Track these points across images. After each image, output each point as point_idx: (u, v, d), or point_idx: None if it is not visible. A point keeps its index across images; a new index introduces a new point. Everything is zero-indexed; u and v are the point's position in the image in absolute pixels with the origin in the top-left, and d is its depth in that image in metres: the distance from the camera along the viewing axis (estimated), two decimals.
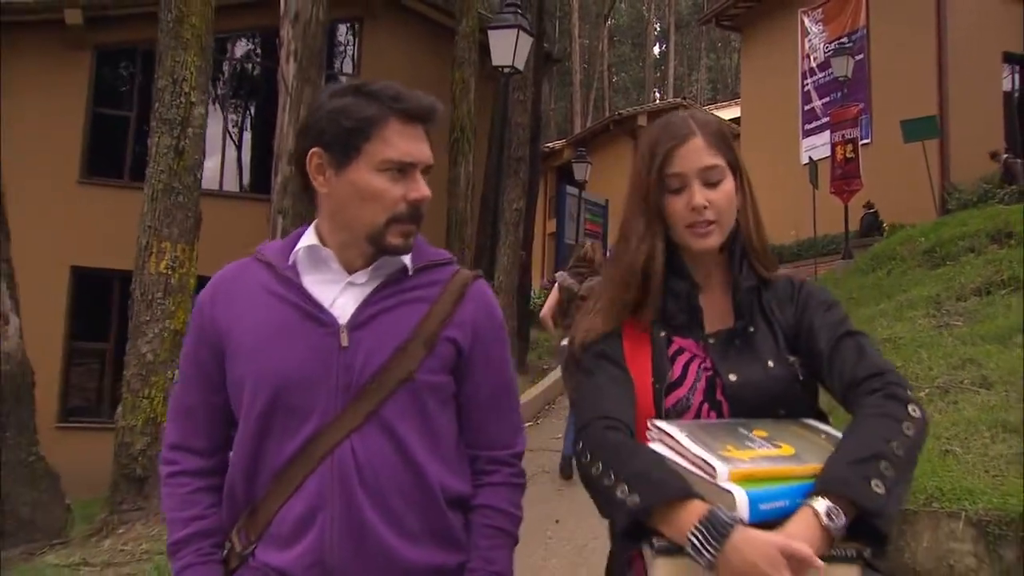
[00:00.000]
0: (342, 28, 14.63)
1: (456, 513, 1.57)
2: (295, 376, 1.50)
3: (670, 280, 1.62)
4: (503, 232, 12.02)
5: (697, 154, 1.59)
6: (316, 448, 1.48)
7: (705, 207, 1.57)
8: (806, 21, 19.76)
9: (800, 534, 1.25)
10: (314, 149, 1.53)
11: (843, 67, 14.96)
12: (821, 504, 1.27)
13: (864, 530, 1.29)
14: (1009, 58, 16.78)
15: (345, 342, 1.51)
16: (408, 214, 1.52)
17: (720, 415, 1.53)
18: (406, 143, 1.49)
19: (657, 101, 35.30)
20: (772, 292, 1.63)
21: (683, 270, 1.63)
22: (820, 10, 19.30)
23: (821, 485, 1.30)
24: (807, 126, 18.79)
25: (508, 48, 8.53)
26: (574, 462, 1.67)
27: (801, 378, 1.54)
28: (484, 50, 12.49)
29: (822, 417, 1.54)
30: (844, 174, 13.89)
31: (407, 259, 1.58)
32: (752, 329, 1.58)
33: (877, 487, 1.28)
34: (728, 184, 1.60)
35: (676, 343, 1.60)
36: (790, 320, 1.59)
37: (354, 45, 14.92)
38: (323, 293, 1.55)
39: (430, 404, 1.55)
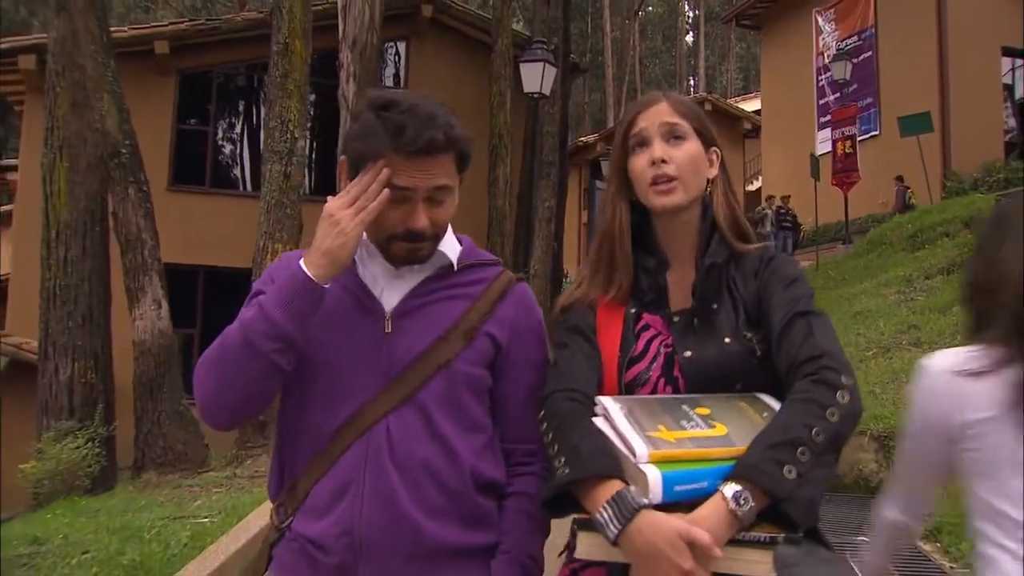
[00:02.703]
0: (392, 46, 15.95)
1: (487, 498, 1.59)
2: (341, 358, 1.56)
3: (641, 257, 1.65)
4: (537, 226, 13.54)
5: (659, 113, 1.62)
6: (353, 427, 1.53)
7: (664, 160, 1.58)
8: (819, 20, 20.83)
9: (706, 519, 1.26)
10: (342, 158, 1.61)
11: (842, 71, 16.26)
12: (730, 489, 1.27)
13: (779, 515, 1.28)
14: (1008, 52, 17.74)
15: (389, 329, 1.57)
16: (406, 236, 1.55)
17: (676, 390, 1.54)
18: (404, 174, 1.51)
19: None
20: (740, 266, 1.61)
21: (652, 247, 1.65)
22: (832, 10, 20.38)
23: (736, 470, 1.30)
24: (822, 119, 19.78)
25: (536, 77, 10.20)
26: None
27: (759, 353, 1.53)
28: (518, 64, 14.06)
29: (782, 390, 1.49)
30: (844, 168, 15.26)
31: (454, 257, 1.64)
32: (716, 306, 1.58)
33: (789, 473, 1.28)
34: (692, 145, 1.61)
35: (644, 319, 1.62)
36: (753, 295, 1.58)
37: (403, 61, 16.26)
38: (375, 282, 1.62)
39: (465, 394, 1.58)
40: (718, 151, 1.66)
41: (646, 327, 1.61)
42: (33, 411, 10.75)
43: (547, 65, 10.06)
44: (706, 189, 1.64)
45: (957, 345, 5.60)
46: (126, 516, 4.82)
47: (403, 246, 1.56)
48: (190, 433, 8.30)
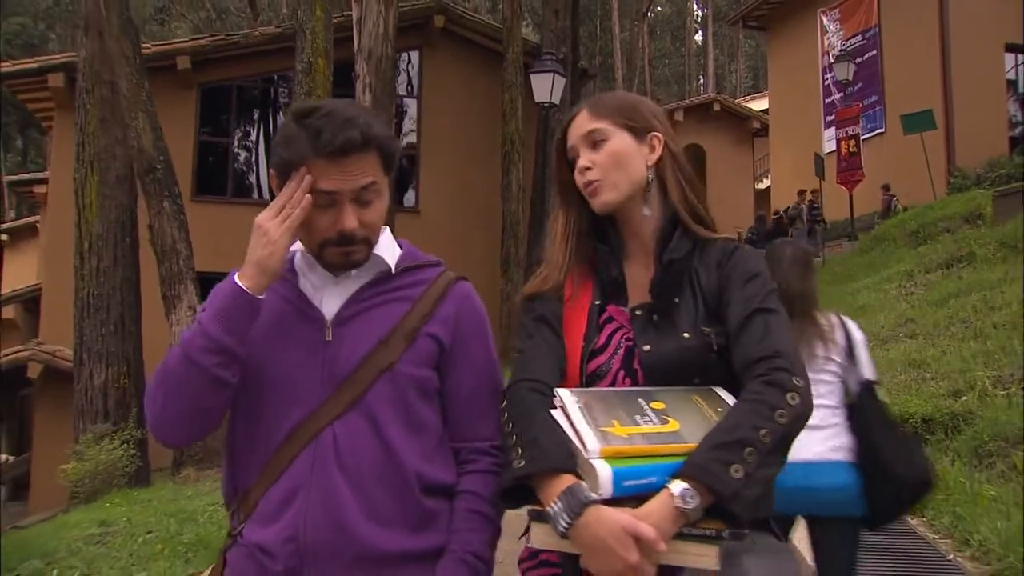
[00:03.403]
0: (406, 56, 16.31)
1: (436, 500, 1.59)
2: (284, 369, 1.57)
3: (599, 249, 1.69)
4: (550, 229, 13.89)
5: (580, 125, 1.68)
6: (301, 434, 1.54)
7: (587, 168, 1.64)
8: (824, 20, 21.13)
9: (652, 514, 1.31)
10: (271, 170, 1.61)
11: (844, 71, 16.58)
12: (677, 487, 1.31)
13: (726, 511, 1.32)
14: (1012, 48, 17.98)
15: (329, 336, 1.58)
16: (338, 240, 1.56)
17: (635, 383, 1.57)
18: (327, 178, 1.52)
19: (691, 96, 36.52)
20: (703, 256, 1.64)
21: (611, 239, 1.69)
22: (837, 10, 20.68)
23: (684, 469, 1.33)
24: (828, 118, 20.04)
25: (547, 88, 10.62)
26: None
27: (715, 348, 1.55)
28: (529, 72, 14.42)
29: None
30: (848, 166, 15.59)
31: (391, 261, 1.65)
32: (677, 300, 1.60)
33: (736, 472, 1.31)
34: (613, 143, 1.64)
35: (609, 311, 1.65)
36: (714, 287, 1.60)
37: (417, 71, 16.66)
38: (314, 292, 1.63)
39: (411, 396, 1.58)
40: (659, 135, 1.67)
41: (610, 319, 1.64)
42: (66, 416, 11.23)
43: (556, 75, 10.49)
44: (649, 175, 1.65)
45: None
46: (178, 503, 5.25)
47: (336, 251, 1.56)
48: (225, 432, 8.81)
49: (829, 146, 19.17)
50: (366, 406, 1.54)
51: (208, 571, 1.64)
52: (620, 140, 1.64)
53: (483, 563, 1.58)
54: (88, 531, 4.28)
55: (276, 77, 16.36)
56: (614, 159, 1.63)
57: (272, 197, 1.55)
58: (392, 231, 1.72)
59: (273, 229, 1.51)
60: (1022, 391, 5.52)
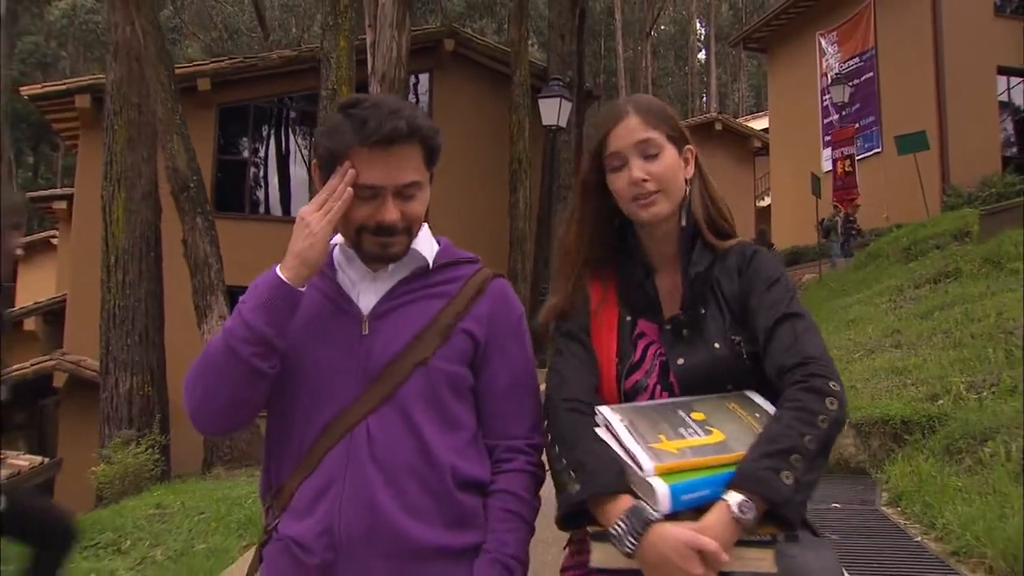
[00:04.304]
0: (417, 78, 16.81)
1: (470, 495, 1.58)
2: (321, 363, 1.58)
3: (626, 264, 1.69)
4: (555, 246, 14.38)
5: (631, 131, 1.64)
6: (335, 429, 1.54)
7: (645, 180, 1.61)
8: (823, 42, 21.64)
9: (712, 527, 1.35)
10: (314, 162, 1.62)
11: (840, 94, 17.13)
12: (734, 498, 1.35)
13: (778, 516, 1.37)
14: (1004, 71, 18.51)
15: (366, 330, 1.59)
16: (376, 229, 1.56)
17: (672, 395, 1.59)
18: (371, 170, 1.52)
19: (693, 115, 37.11)
20: (722, 264, 1.65)
21: (637, 253, 1.68)
22: (835, 32, 21.19)
23: (736, 479, 1.38)
24: (826, 138, 20.50)
25: (554, 112, 11.20)
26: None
27: (746, 356, 1.58)
28: (536, 92, 14.93)
29: (774, 387, 1.54)
30: (844, 185, 16.15)
31: (430, 256, 1.65)
32: (703, 311, 1.62)
33: (787, 479, 1.36)
34: (668, 156, 1.64)
35: (640, 326, 1.66)
36: (736, 293, 1.62)
37: (427, 92, 17.21)
38: (353, 286, 1.64)
39: (445, 392, 1.58)
40: (692, 148, 1.71)
41: (642, 335, 1.66)
42: (89, 423, 11.72)
43: (563, 100, 11.09)
44: (686, 189, 1.68)
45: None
46: (221, 491, 5.73)
47: (374, 240, 1.57)
48: (253, 433, 9.28)
49: (827, 165, 19.61)
50: (400, 401, 1.55)
51: (246, 567, 1.65)
52: (671, 154, 1.66)
53: (520, 565, 1.59)
54: (148, 512, 4.77)
55: (291, 98, 16.94)
56: (669, 171, 1.65)
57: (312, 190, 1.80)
58: None
59: (315, 222, 1.53)
60: (992, 395, 5.98)
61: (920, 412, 6.05)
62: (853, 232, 18.45)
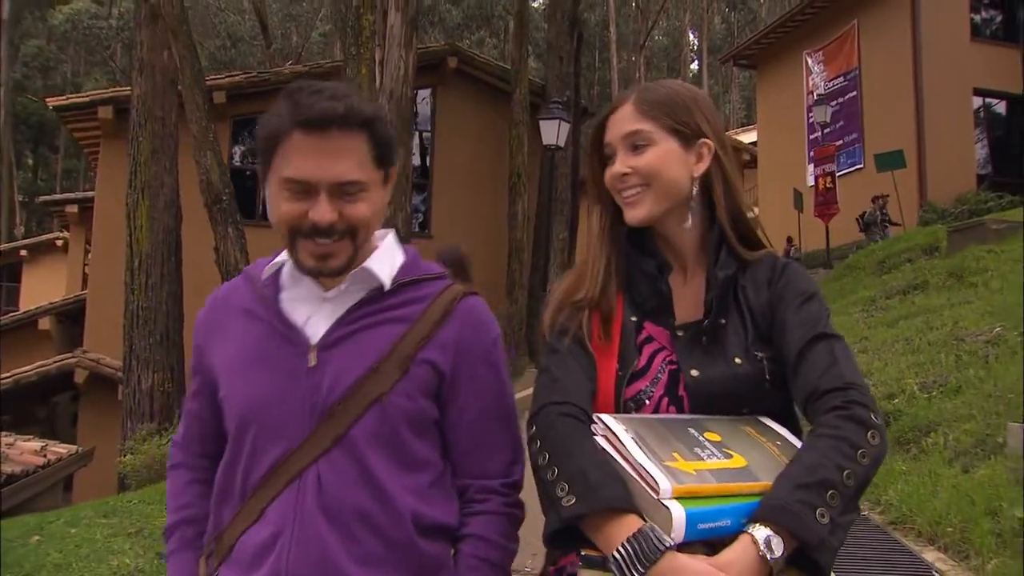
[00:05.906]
0: (421, 94, 17.55)
1: (435, 543, 1.43)
2: (263, 400, 1.42)
3: (639, 260, 1.51)
4: (552, 255, 15.20)
5: (622, 121, 1.50)
6: (282, 473, 1.40)
7: (625, 174, 1.47)
8: (809, 61, 22.49)
9: (734, 564, 1.17)
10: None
11: (822, 114, 18.02)
12: (761, 533, 1.18)
13: (804, 558, 1.19)
14: (979, 92, 19.39)
15: (313, 362, 1.41)
16: (309, 232, 1.37)
17: (680, 410, 1.42)
18: (304, 160, 1.34)
19: None
20: (750, 274, 1.49)
21: (652, 249, 1.51)
22: (821, 52, 22.03)
23: (764, 512, 1.20)
24: (812, 154, 21.12)
25: (553, 132, 12.03)
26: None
27: (768, 376, 1.41)
28: (535, 109, 15.76)
29: (791, 417, 1.42)
30: (824, 200, 17.01)
31: (386, 275, 1.46)
32: (723, 321, 1.45)
33: (822, 518, 1.19)
34: (659, 149, 1.47)
35: (647, 330, 1.48)
36: (764, 306, 1.46)
37: (431, 108, 17.96)
38: (299, 311, 1.46)
39: (404, 431, 1.42)
40: (709, 143, 1.50)
41: (649, 339, 1.48)
42: (108, 418, 12.44)
43: (562, 122, 11.94)
44: (692, 187, 1.49)
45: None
46: None
47: (308, 245, 1.39)
48: None
49: (811, 181, 20.27)
50: (353, 442, 1.39)
51: None
52: (665, 147, 1.48)
53: None
54: None
55: None
56: (656, 168, 1.47)
57: None
58: None
59: None
60: (940, 393, 6.80)
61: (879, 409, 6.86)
62: (887, 222, 18.81)
